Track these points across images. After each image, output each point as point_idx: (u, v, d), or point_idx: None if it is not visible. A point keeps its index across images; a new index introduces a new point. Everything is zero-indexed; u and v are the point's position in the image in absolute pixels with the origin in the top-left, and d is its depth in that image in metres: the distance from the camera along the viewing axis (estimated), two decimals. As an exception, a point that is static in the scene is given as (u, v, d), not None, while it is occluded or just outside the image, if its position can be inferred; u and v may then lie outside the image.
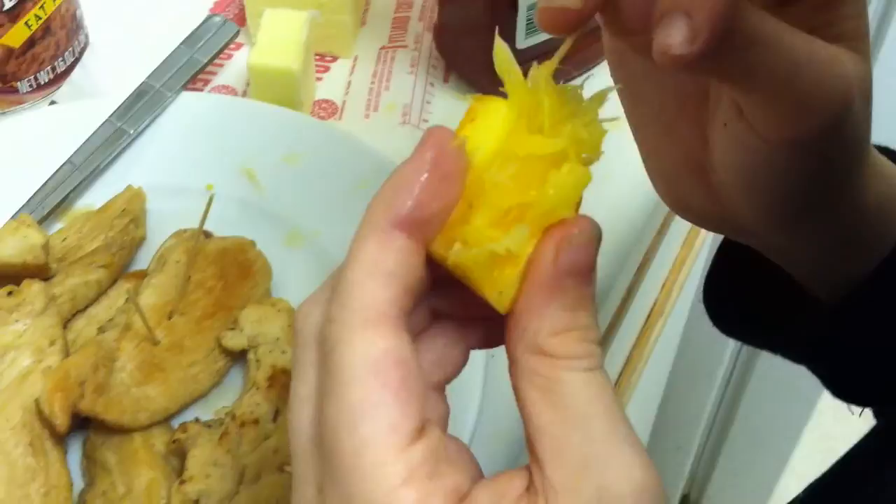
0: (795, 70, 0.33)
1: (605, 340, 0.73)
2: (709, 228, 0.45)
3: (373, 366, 0.31)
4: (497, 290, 0.33)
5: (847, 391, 0.47)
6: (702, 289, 0.51)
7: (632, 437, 0.32)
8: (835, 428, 1.80)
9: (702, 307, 0.51)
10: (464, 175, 0.33)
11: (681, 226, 0.88)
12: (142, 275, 0.62)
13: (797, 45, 0.33)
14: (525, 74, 0.34)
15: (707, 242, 0.99)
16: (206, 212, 0.59)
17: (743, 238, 0.44)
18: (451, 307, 0.36)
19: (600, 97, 0.34)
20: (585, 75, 0.66)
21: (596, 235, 0.33)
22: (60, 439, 0.55)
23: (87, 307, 0.61)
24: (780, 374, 1.53)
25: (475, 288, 0.33)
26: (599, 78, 0.39)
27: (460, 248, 0.33)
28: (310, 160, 0.69)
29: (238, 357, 0.60)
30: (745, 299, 0.49)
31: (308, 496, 0.32)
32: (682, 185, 0.42)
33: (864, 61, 0.36)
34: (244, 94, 0.76)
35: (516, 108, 0.34)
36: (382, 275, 0.32)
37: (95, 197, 0.68)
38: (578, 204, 0.33)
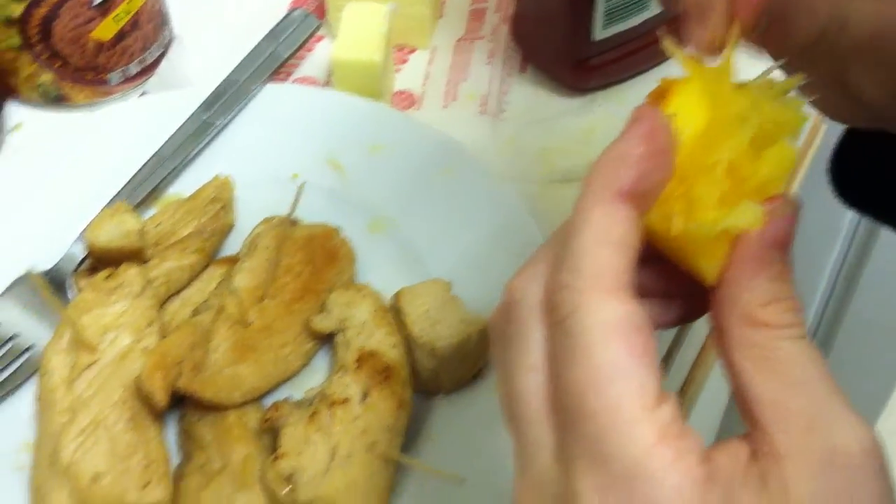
0: None
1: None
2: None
3: (615, 329, 0.32)
4: (714, 263, 0.34)
5: None
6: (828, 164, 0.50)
7: (848, 402, 0.32)
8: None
9: None
10: (675, 150, 0.34)
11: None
12: (232, 260, 0.64)
13: None
14: None
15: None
16: (297, 199, 0.60)
17: None
18: (645, 284, 0.37)
19: (790, 84, 0.36)
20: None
21: (798, 209, 0.35)
22: (158, 416, 0.57)
23: (180, 290, 0.63)
24: (851, 369, 1.51)
25: (686, 261, 0.35)
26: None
27: (687, 222, 0.34)
28: (393, 150, 0.70)
29: (325, 340, 0.62)
30: (877, 164, 0.48)
31: (542, 460, 0.33)
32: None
33: None
34: (326, 86, 0.77)
35: (713, 92, 0.35)
36: (613, 243, 0.33)
37: (185, 185, 0.70)
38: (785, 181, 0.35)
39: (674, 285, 0.37)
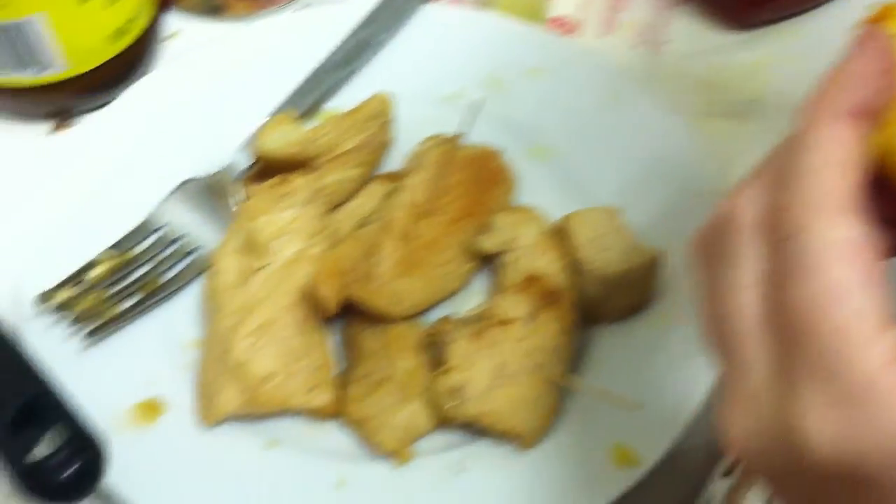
0: None
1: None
2: None
3: (844, 250, 0.31)
4: None
5: None
6: None
7: None
8: None
9: None
10: None
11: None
12: (395, 176, 0.64)
13: None
14: None
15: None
16: (470, 118, 0.59)
17: None
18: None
19: None
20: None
21: None
22: (324, 323, 0.57)
23: (343, 203, 0.63)
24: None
25: None
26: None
27: None
28: (554, 75, 0.69)
29: (484, 262, 0.61)
30: None
31: (758, 378, 0.33)
32: None
33: None
34: (482, 7, 0.76)
35: None
36: (840, 164, 0.32)
37: (344, 101, 0.69)
38: None
39: (892, 212, 0.36)
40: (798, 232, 0.32)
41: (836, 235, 0.31)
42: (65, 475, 0.44)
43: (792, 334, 0.32)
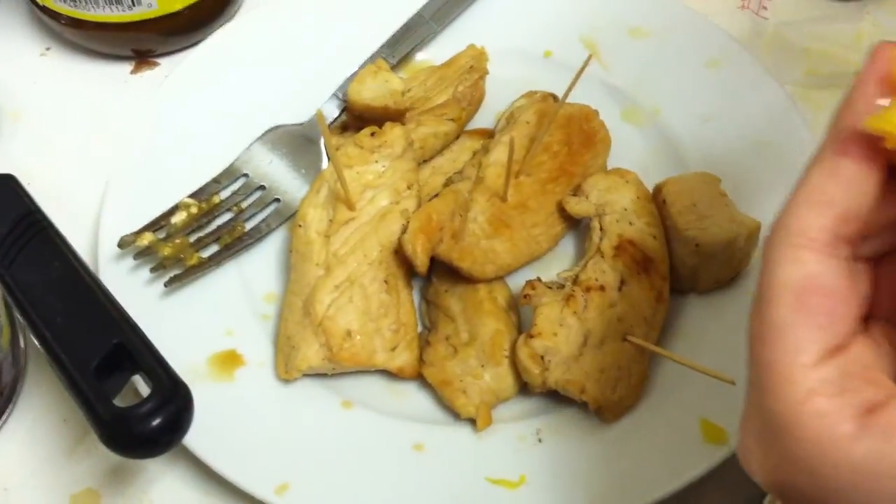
0: None
1: None
2: None
3: (792, 288, 0.32)
4: None
5: None
6: None
7: None
8: None
9: None
10: None
11: None
12: (485, 133, 0.62)
13: None
14: None
15: None
16: (579, 74, 0.57)
17: None
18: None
19: None
20: None
21: None
22: (409, 281, 0.56)
23: (431, 158, 0.61)
24: None
25: None
26: None
27: None
28: (655, 35, 0.67)
29: (574, 224, 0.60)
30: None
31: (746, 406, 0.34)
32: None
33: None
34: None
35: None
36: (819, 203, 0.32)
37: (434, 53, 0.68)
38: None
39: None
40: (766, 265, 0.33)
41: (790, 273, 0.32)
42: (152, 425, 0.42)
43: (752, 362, 0.33)
